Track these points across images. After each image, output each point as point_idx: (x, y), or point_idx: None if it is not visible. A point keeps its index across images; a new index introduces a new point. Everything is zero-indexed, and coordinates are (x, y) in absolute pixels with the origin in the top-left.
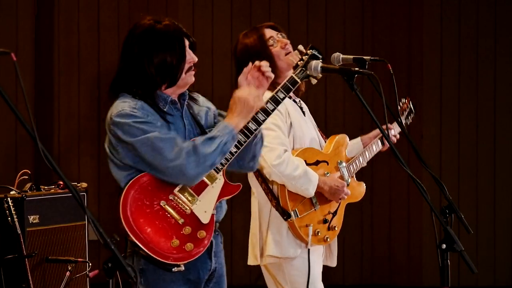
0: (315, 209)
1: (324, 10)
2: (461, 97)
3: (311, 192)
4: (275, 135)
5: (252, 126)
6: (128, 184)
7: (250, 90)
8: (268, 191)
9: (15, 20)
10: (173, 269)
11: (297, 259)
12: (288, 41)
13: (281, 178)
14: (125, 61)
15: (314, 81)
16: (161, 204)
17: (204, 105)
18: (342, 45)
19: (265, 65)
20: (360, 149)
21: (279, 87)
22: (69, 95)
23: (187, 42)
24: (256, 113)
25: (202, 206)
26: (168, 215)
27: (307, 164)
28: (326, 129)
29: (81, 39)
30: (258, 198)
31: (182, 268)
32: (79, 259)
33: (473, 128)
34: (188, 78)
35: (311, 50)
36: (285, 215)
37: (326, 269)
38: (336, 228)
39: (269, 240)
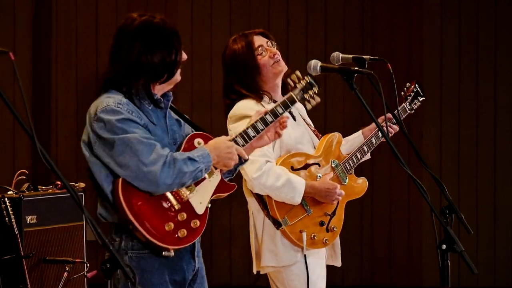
0: (307, 214)
1: (323, 10)
2: (461, 97)
3: (297, 199)
4: (265, 148)
5: (251, 132)
6: None
7: (221, 139)
8: (260, 201)
9: (13, 20)
10: (163, 253)
11: (296, 264)
12: (277, 51)
13: (264, 190)
14: (122, 56)
15: (309, 106)
16: None
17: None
18: (341, 45)
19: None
20: (362, 142)
21: (278, 102)
22: (67, 94)
23: None
24: (256, 122)
25: (198, 196)
26: (166, 198)
27: (295, 170)
28: (325, 129)
29: (79, 38)
30: (252, 208)
31: (172, 253)
32: (77, 260)
33: (473, 128)
34: (178, 76)
35: (308, 77)
36: (276, 224)
37: (326, 270)
38: (335, 229)
39: (263, 250)
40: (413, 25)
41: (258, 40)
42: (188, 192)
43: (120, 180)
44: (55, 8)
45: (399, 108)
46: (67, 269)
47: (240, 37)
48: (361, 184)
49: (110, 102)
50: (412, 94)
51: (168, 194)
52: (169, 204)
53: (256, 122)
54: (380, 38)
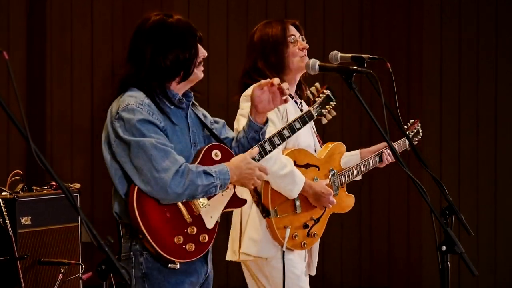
0: (296, 212)
1: (322, 8)
2: (461, 97)
3: (294, 193)
4: (268, 130)
5: (268, 147)
6: None
7: (245, 157)
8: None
9: (7, 19)
10: (169, 265)
11: (277, 259)
12: (308, 46)
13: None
14: (137, 56)
15: (324, 121)
16: None
17: (200, 111)
18: (340, 44)
19: (285, 87)
20: (357, 161)
21: (297, 117)
22: (62, 94)
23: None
24: (273, 136)
25: (210, 211)
26: (178, 210)
27: (296, 165)
28: (324, 129)
29: (74, 37)
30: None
31: (178, 266)
32: (72, 261)
33: (474, 128)
34: (198, 73)
35: (327, 90)
36: (265, 212)
37: (323, 272)
38: (316, 236)
39: (246, 237)
40: (413, 25)
41: (293, 30)
42: (200, 206)
43: (136, 188)
44: (50, 7)
45: (397, 123)
46: (62, 270)
47: (275, 22)
48: (349, 200)
49: (132, 101)
50: (414, 131)
51: (181, 206)
52: (181, 217)
53: (273, 136)
54: (380, 37)
